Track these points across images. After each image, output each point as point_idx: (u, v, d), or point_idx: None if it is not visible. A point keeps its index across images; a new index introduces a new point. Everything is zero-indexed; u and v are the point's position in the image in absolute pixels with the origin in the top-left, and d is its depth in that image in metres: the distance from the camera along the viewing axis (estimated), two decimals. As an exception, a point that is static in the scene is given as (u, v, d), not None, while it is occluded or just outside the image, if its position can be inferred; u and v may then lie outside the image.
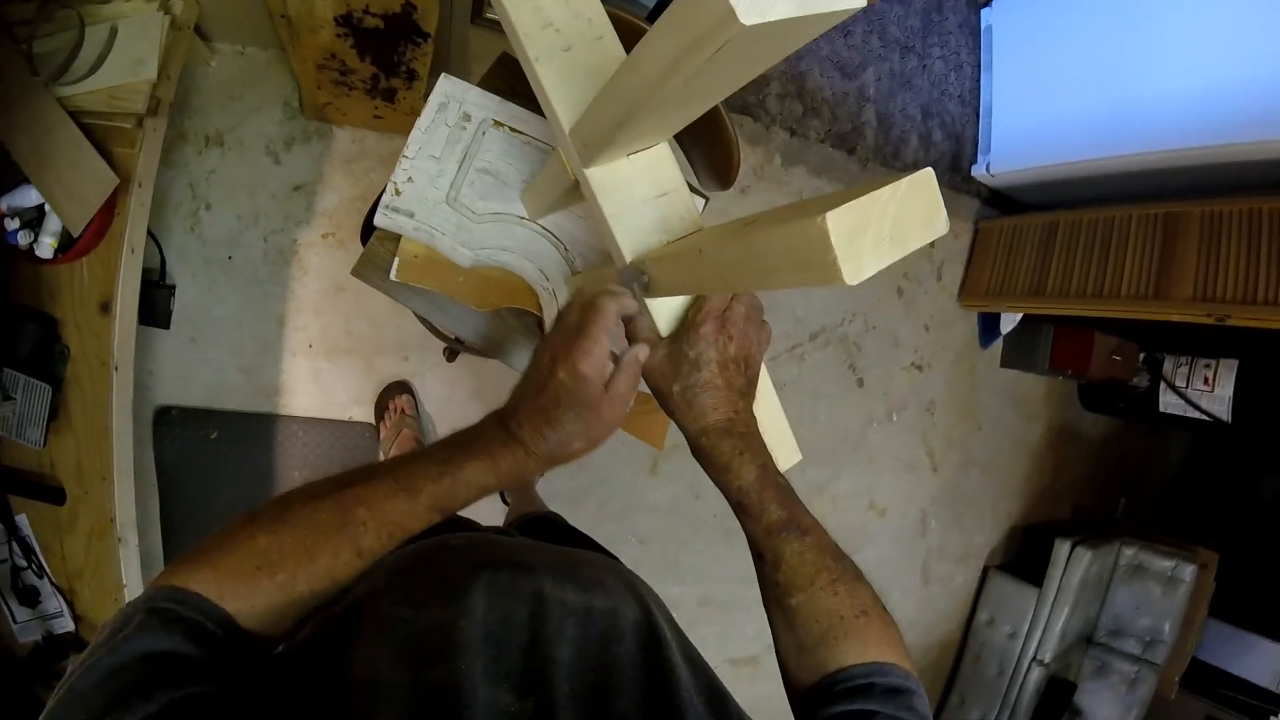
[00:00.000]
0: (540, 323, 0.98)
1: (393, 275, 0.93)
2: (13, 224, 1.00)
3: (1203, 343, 2.16)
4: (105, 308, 1.07)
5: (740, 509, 0.56)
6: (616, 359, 0.56)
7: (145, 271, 1.28)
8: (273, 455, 1.59)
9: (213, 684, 0.40)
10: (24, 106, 0.96)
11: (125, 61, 1.04)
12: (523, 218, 0.96)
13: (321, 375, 1.70)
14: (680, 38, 0.36)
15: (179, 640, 0.41)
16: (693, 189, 1.04)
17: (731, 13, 0.31)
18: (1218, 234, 1.66)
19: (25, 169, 0.98)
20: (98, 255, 1.07)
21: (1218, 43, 1.72)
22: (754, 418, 0.61)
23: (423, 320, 1.59)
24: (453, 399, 1.82)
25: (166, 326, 1.51)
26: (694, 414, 0.58)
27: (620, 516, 1.99)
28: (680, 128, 0.58)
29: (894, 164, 2.29)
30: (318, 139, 1.68)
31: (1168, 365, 2.22)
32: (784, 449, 0.70)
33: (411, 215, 0.91)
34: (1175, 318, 1.70)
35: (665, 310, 0.64)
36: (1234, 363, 2.06)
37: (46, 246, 1.02)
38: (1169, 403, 2.21)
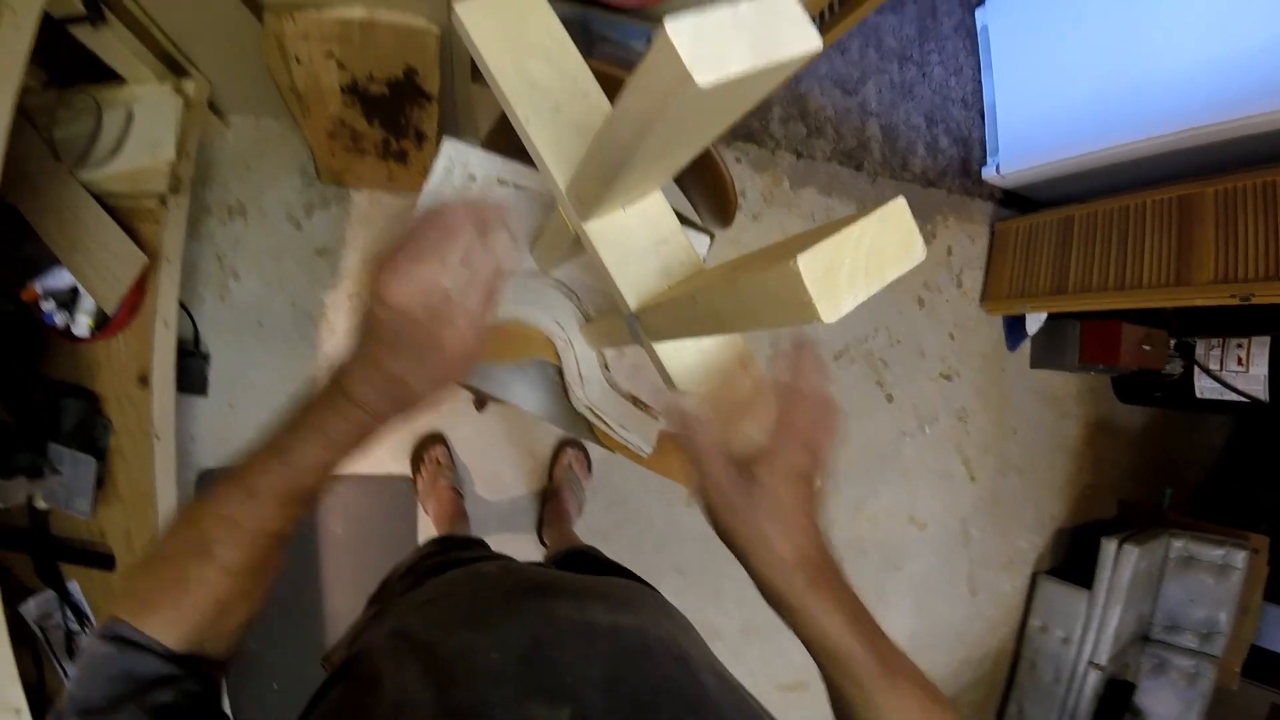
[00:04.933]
0: (560, 371, 1.01)
1: (413, 334, 0.96)
2: (48, 305, 1.05)
3: (1232, 323, 2.11)
4: (143, 380, 1.12)
5: (825, 658, 0.46)
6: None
7: (180, 342, 1.34)
8: (314, 513, 1.63)
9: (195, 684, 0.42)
10: (50, 192, 1.01)
11: (144, 143, 1.11)
12: (534, 271, 0.99)
13: (355, 430, 1.74)
14: (646, 99, 0.38)
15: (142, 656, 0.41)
16: (697, 227, 1.07)
17: (688, 75, 0.32)
18: (1234, 212, 1.63)
19: (56, 252, 1.03)
20: (132, 331, 1.12)
21: (1218, 16, 1.70)
22: (829, 543, 0.49)
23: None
24: (486, 447, 1.85)
25: (204, 393, 1.57)
26: (766, 547, 0.46)
27: (659, 549, 1.98)
28: (669, 178, 0.59)
29: (903, 175, 2.29)
30: (336, 203, 1.75)
31: (1200, 349, 2.16)
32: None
33: (427, 275, 0.95)
34: (1199, 302, 1.67)
35: (688, 361, 0.65)
36: (1266, 340, 2.01)
37: (83, 325, 1.07)
38: (1205, 387, 2.16)
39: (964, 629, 2.34)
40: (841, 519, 2.20)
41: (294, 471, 0.45)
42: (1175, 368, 2.22)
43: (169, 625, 0.43)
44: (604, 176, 0.53)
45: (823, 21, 1.15)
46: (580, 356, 0.97)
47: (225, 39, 1.19)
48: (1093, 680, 2.10)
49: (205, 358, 1.57)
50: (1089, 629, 2.14)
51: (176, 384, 1.28)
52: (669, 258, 0.63)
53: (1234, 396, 2.09)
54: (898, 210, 0.40)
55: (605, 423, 0.98)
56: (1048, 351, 2.39)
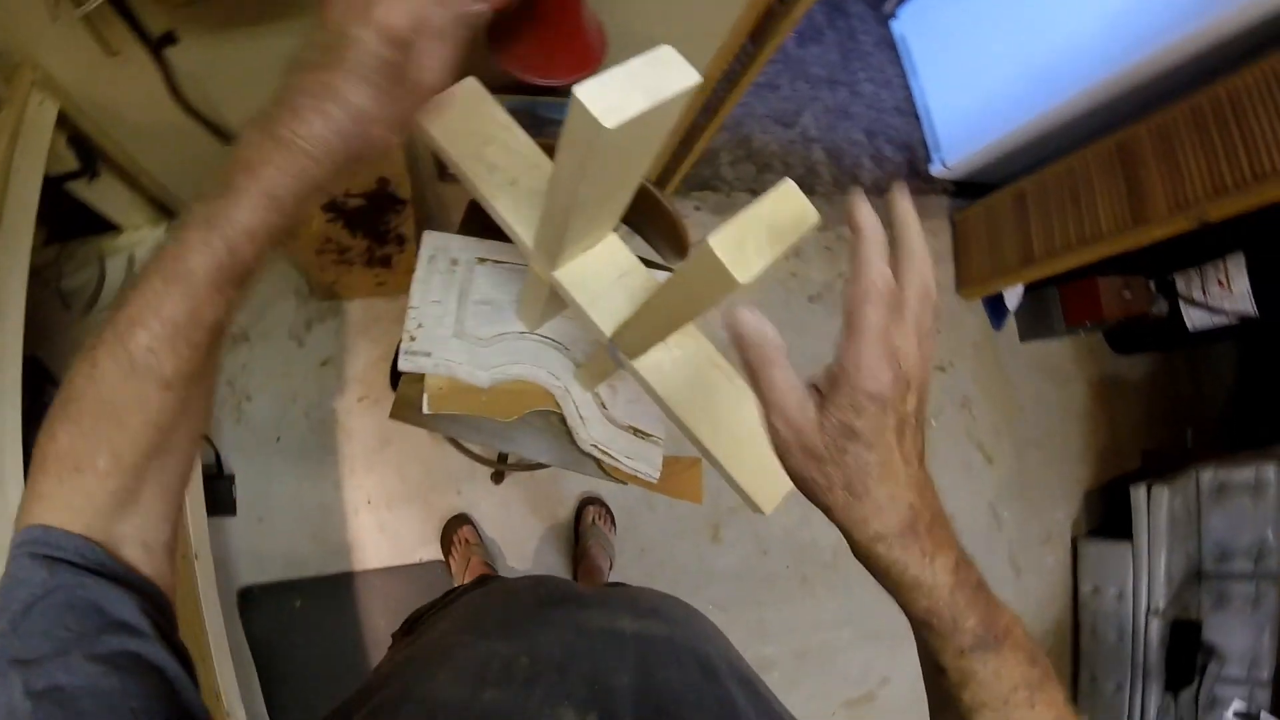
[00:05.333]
0: (562, 418, 1.07)
1: (425, 409, 1.03)
2: None
3: (1203, 250, 2.14)
4: (178, 505, 1.18)
5: (926, 628, 0.39)
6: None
7: (204, 468, 1.41)
8: (356, 610, 1.66)
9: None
10: (63, 336, 1.10)
11: (149, 284, 1.20)
12: (523, 332, 1.07)
13: (385, 525, 1.79)
14: (574, 151, 0.46)
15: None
16: (659, 266, 1.15)
17: (598, 123, 0.41)
18: (1170, 143, 1.71)
19: None
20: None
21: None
22: (935, 488, 0.40)
23: (463, 449, 1.70)
24: (510, 518, 1.90)
25: (234, 513, 1.63)
26: (865, 512, 0.37)
27: (694, 591, 2.00)
28: (615, 217, 0.68)
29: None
30: (332, 315, 1.85)
31: (1180, 283, 2.19)
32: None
33: (429, 354, 1.02)
34: (1160, 235, 1.73)
35: (666, 370, 0.72)
36: (1239, 256, 2.05)
37: None
38: (1194, 318, 2.17)
39: (1016, 611, 2.29)
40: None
41: (229, 243, 0.38)
42: (1161, 307, 2.24)
43: (105, 481, 0.36)
44: (559, 225, 0.61)
45: (741, 64, 1.27)
46: (578, 400, 1.04)
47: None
48: (1156, 628, 2.07)
49: (230, 479, 1.64)
50: (1140, 579, 2.11)
51: (206, 507, 1.34)
52: (631, 286, 0.71)
53: (1224, 319, 2.11)
54: (788, 190, 0.48)
55: (612, 457, 1.04)
56: (1033, 323, 2.45)
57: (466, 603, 0.58)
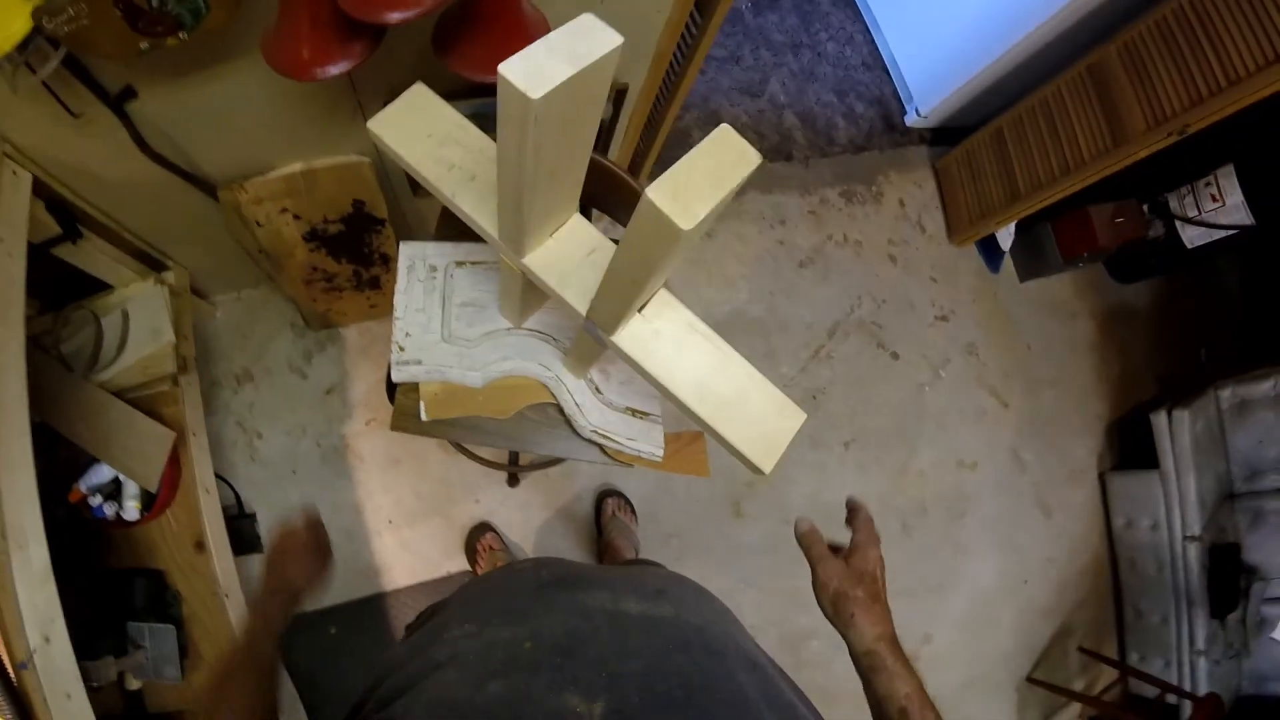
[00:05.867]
0: (560, 408, 1.08)
1: (423, 417, 1.05)
2: (95, 500, 1.16)
3: (1189, 165, 2.11)
4: (200, 546, 1.21)
5: (902, 714, 0.58)
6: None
7: (225, 509, 1.43)
8: (390, 629, 1.68)
9: None
10: (72, 401, 1.13)
11: (144, 333, 1.23)
12: (509, 328, 1.08)
13: (409, 543, 1.81)
14: (510, 128, 0.47)
15: None
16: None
17: (524, 95, 0.41)
18: (1140, 60, 1.69)
19: (92, 451, 1.14)
20: (179, 504, 1.22)
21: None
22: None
23: (475, 456, 1.71)
24: (530, 520, 1.91)
25: (260, 550, 1.65)
26: (873, 619, 0.64)
27: (723, 568, 2.00)
28: (573, 197, 0.68)
29: (832, 150, 2.40)
30: (330, 344, 1.87)
31: (1173, 202, 2.16)
32: (781, 407, 0.75)
33: (420, 362, 1.04)
34: (1144, 153, 1.70)
35: (646, 341, 0.73)
36: (1229, 167, 2.02)
37: (131, 509, 1.17)
38: (1192, 236, 2.14)
39: (1052, 553, 2.30)
40: (891, 485, 2.20)
41: (254, 648, 0.69)
42: (1157, 229, 2.21)
43: None
44: (516, 208, 0.62)
45: (693, 37, 1.26)
46: (571, 388, 1.04)
47: (191, 228, 1.33)
48: (1194, 554, 2.05)
49: (251, 517, 1.66)
50: (1171, 506, 2.09)
51: (232, 548, 1.37)
52: (600, 262, 0.72)
53: (1222, 233, 2.08)
54: (724, 135, 0.48)
55: (613, 440, 1.05)
56: (1030, 261, 2.43)
57: (469, 588, 0.60)
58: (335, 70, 0.79)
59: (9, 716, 0.71)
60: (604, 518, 1.92)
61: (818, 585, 0.69)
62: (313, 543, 0.85)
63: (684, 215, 0.44)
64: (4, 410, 0.79)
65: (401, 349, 1.03)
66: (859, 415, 2.23)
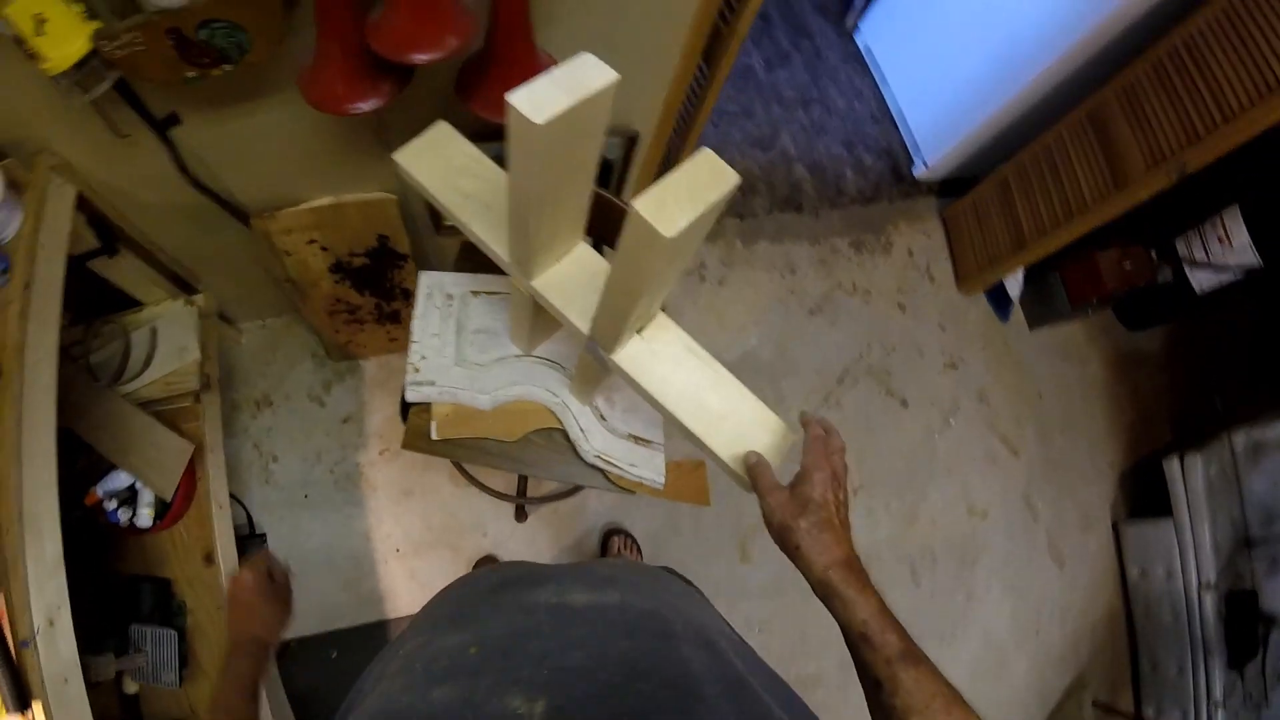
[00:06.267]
0: (565, 433, 1.11)
1: (434, 435, 1.09)
2: (111, 505, 1.20)
3: (1196, 208, 2.12)
4: (209, 559, 1.24)
5: (863, 640, 0.55)
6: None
7: (235, 528, 1.46)
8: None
9: None
10: (96, 409, 1.18)
11: (171, 351, 1.29)
12: (519, 354, 1.12)
13: (416, 573, 1.82)
14: (519, 154, 0.52)
15: None
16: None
17: (529, 121, 0.46)
18: (1137, 101, 1.72)
19: (112, 458, 1.19)
20: (191, 516, 1.26)
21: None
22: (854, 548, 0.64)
23: (485, 488, 1.74)
24: (536, 555, 1.91)
25: (269, 571, 1.67)
26: (820, 548, 0.60)
27: (730, 610, 1.94)
28: (579, 223, 0.73)
29: (841, 201, 2.46)
30: (349, 375, 1.93)
31: (1180, 247, 2.16)
32: (772, 426, 0.77)
33: (433, 383, 1.08)
34: (1145, 195, 1.73)
35: (642, 360, 0.77)
36: (1234, 209, 2.02)
37: (145, 517, 1.21)
38: (1201, 280, 2.14)
39: (1065, 602, 2.25)
40: (900, 532, 2.18)
41: (229, 708, 0.69)
42: (1166, 274, 2.21)
43: None
44: (525, 231, 0.67)
45: (701, 86, 1.34)
46: (577, 413, 1.08)
47: (223, 254, 1.40)
48: (1210, 603, 1.99)
49: (261, 537, 1.69)
50: (1186, 554, 2.04)
51: (239, 567, 1.39)
52: (602, 285, 0.76)
53: (1230, 275, 2.08)
54: (706, 157, 0.53)
55: (616, 466, 1.07)
56: (1040, 309, 2.45)
57: (430, 602, 0.61)
58: (366, 106, 0.86)
59: (5, 692, 0.73)
60: (609, 555, 1.92)
61: (765, 520, 0.65)
62: (266, 588, 0.84)
63: (667, 224, 0.48)
64: (33, 404, 0.84)
65: (416, 370, 1.08)
66: (868, 461, 2.23)
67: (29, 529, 0.81)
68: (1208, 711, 1.98)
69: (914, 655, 0.55)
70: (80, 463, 1.16)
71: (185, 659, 1.19)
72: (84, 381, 1.17)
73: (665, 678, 0.44)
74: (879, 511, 2.19)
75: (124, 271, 1.23)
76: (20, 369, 0.84)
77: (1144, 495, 2.37)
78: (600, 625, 0.50)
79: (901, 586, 2.12)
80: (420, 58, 0.74)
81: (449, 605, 0.58)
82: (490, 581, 0.61)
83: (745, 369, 2.17)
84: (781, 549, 0.64)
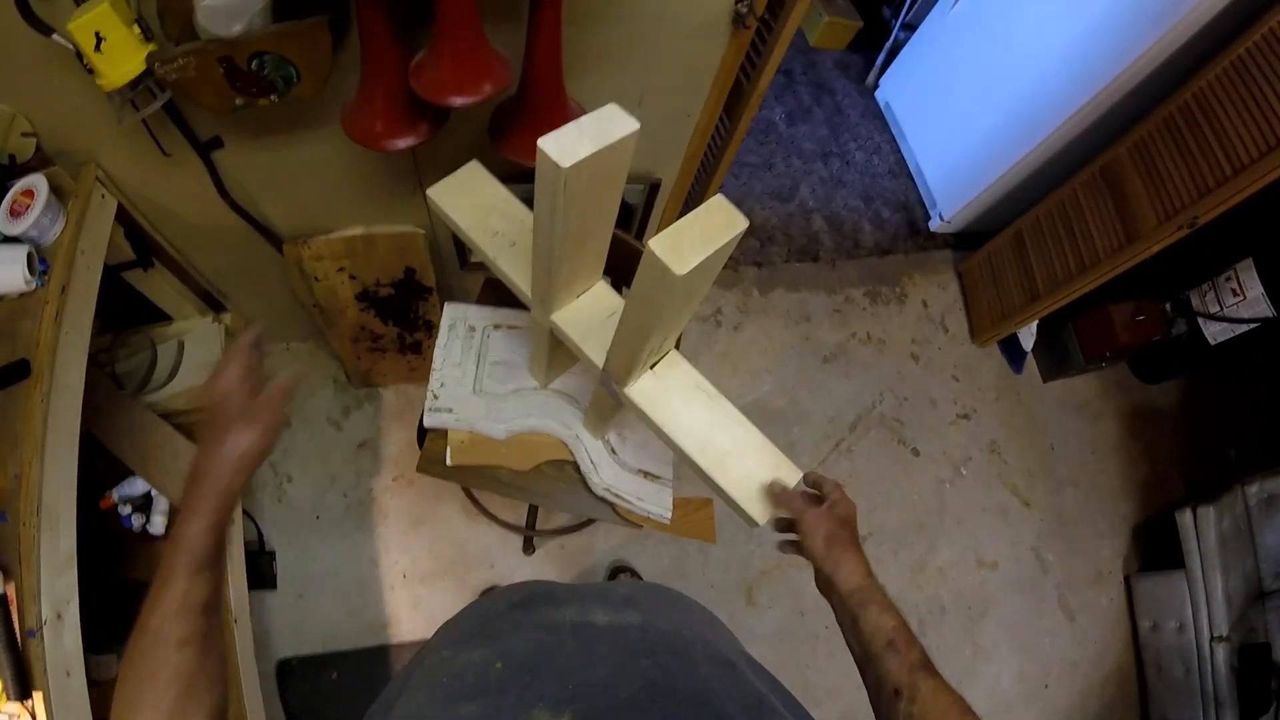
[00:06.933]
0: (576, 466, 1.14)
1: (448, 461, 1.11)
2: (125, 510, 1.22)
3: (1209, 261, 2.13)
4: (220, 572, 1.26)
5: (890, 647, 0.60)
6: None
7: (246, 543, 1.48)
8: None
9: None
10: (118, 416, 1.22)
11: (196, 366, 1.34)
12: (536, 387, 1.15)
13: (421, 601, 1.82)
14: (545, 195, 0.56)
15: None
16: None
17: (557, 166, 0.50)
18: (1149, 156, 1.76)
19: (130, 465, 1.22)
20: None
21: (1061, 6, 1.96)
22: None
23: (492, 517, 1.75)
24: (541, 589, 1.91)
25: (274, 587, 1.69)
26: (859, 559, 0.69)
27: (734, 652, 1.96)
28: (598, 262, 0.77)
29: (858, 253, 2.51)
30: (368, 402, 1.97)
31: (1194, 299, 2.16)
32: (779, 464, 0.80)
33: (450, 410, 1.11)
34: (1157, 248, 1.75)
35: (652, 393, 0.79)
36: (1248, 261, 2.03)
37: (158, 524, 1.24)
38: (1215, 333, 2.13)
39: (1075, 657, 2.20)
40: (908, 582, 2.16)
41: (187, 546, 0.55)
42: (1180, 327, 2.21)
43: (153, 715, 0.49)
44: (548, 267, 0.70)
45: (723, 139, 1.39)
46: (589, 447, 1.10)
47: (254, 277, 1.45)
48: (1222, 656, 1.93)
49: (271, 555, 1.71)
50: (1198, 607, 2.00)
51: (248, 581, 1.41)
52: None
53: (1245, 327, 2.07)
54: (718, 202, 0.56)
55: (624, 500, 1.09)
56: (1053, 361, 2.45)
57: (451, 619, 0.62)
58: (403, 144, 0.91)
59: (8, 678, 0.75)
60: (615, 594, 1.92)
61: (807, 529, 0.72)
62: (251, 379, 0.68)
63: (678, 262, 0.51)
64: (60, 403, 0.88)
65: (436, 397, 1.11)
66: (877, 510, 2.22)
67: (45, 522, 0.83)
68: (1221, 768, 1.91)
69: (933, 667, 0.59)
70: (98, 467, 1.20)
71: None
72: (108, 388, 1.21)
73: (686, 695, 0.46)
74: (887, 560, 2.17)
75: (156, 285, 1.29)
76: (51, 368, 0.88)
77: (1156, 549, 2.33)
78: (622, 644, 0.51)
79: (906, 636, 2.09)
80: (458, 101, 0.79)
81: (472, 621, 0.59)
82: (513, 599, 0.62)
83: (758, 415, 2.14)
84: (823, 557, 0.69)
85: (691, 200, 1.72)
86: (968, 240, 2.55)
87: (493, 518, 1.72)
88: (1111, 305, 2.18)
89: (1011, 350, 2.45)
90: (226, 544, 0.62)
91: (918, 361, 2.43)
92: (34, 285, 0.94)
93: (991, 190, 2.30)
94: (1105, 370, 2.53)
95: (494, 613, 0.60)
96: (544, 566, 1.93)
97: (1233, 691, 1.93)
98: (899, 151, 2.69)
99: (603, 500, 1.11)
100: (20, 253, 0.93)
